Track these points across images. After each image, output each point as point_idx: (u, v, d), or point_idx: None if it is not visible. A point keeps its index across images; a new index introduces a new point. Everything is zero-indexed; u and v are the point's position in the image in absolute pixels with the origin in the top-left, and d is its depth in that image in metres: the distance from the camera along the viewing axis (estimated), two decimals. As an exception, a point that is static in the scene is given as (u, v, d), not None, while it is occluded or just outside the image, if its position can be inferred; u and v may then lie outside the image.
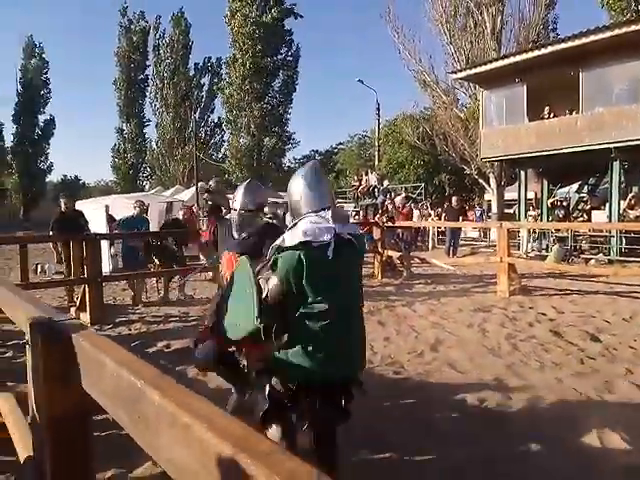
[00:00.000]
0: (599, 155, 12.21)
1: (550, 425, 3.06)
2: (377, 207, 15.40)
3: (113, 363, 0.80)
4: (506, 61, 13.84)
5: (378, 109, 26.55)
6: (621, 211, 12.08)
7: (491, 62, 14.58)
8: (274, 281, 2.07)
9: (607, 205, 12.70)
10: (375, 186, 17.21)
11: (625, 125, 11.58)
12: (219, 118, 37.37)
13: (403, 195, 14.17)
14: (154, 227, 10.63)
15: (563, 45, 12.25)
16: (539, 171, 14.85)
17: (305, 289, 2.04)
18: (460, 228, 13.95)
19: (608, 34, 11.35)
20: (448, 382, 3.84)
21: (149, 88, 39.29)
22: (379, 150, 27.12)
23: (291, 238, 2.05)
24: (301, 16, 31.38)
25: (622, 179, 12.44)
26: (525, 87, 13.59)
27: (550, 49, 12.60)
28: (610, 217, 12.31)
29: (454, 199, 13.94)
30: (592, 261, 11.55)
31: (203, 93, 38.51)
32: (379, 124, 27.27)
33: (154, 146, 39.31)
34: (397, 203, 13.11)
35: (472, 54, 18.11)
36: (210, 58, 38.62)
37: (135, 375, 0.74)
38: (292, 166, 41.92)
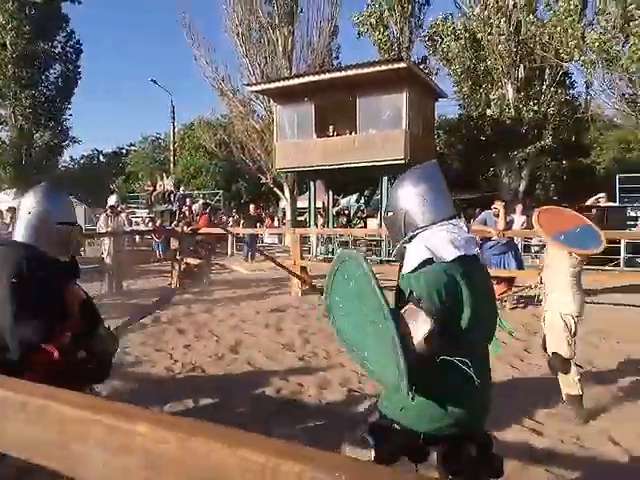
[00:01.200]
0: (372, 171, 14.22)
1: (336, 405, 3.58)
2: (173, 213, 15.08)
3: None
4: (296, 80, 15.02)
5: (173, 111, 25.96)
6: (389, 219, 14.29)
7: (283, 80, 15.65)
8: (424, 323, 1.52)
9: (379, 213, 14.87)
10: (171, 191, 16.78)
11: (390, 147, 13.75)
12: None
13: (201, 202, 14.18)
14: None
15: (344, 73, 13.94)
16: (326, 183, 16.52)
17: (459, 320, 1.61)
18: (257, 234, 14.62)
19: (377, 68, 13.36)
20: (248, 379, 4.12)
21: None
22: (175, 154, 26.47)
23: (441, 251, 1.60)
24: (79, 2, 28.50)
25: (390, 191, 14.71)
26: (313, 106, 14.96)
27: (332, 75, 14.17)
28: (381, 224, 14.40)
29: (252, 207, 14.53)
30: (368, 262, 13.37)
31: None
32: (174, 127, 26.65)
33: None
34: (195, 210, 13.08)
35: (266, 69, 19.09)
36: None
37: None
38: (70, 166, 37.74)
